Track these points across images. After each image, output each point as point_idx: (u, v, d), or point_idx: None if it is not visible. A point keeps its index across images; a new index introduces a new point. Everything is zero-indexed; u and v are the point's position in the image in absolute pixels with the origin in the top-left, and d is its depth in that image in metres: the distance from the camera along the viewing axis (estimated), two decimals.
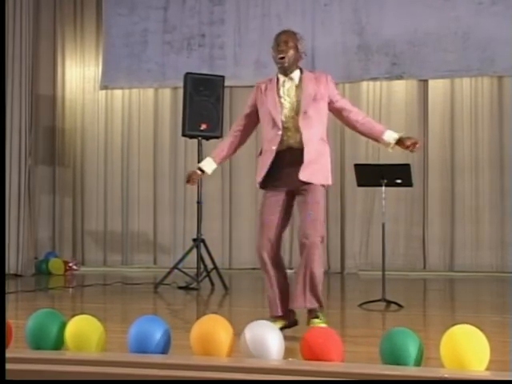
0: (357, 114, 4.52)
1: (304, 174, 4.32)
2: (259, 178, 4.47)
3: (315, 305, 4.29)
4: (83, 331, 3.29)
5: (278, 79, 4.51)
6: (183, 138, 8.23)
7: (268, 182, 4.46)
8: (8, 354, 3.15)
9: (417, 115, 9.21)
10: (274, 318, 4.33)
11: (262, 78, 9.07)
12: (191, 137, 7.71)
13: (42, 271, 8.95)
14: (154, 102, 9.85)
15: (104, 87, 9.80)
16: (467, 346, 2.89)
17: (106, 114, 9.94)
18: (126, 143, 9.87)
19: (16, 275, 8.46)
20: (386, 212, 6.12)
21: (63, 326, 3.34)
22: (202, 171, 4.64)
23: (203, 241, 7.42)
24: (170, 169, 9.70)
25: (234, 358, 3.15)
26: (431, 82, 9.18)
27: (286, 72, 4.47)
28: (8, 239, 8.43)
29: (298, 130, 4.38)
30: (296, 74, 4.50)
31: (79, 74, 10.02)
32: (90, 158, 9.92)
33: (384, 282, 5.92)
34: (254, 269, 8.63)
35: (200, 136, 7.54)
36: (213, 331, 3.17)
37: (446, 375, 2.76)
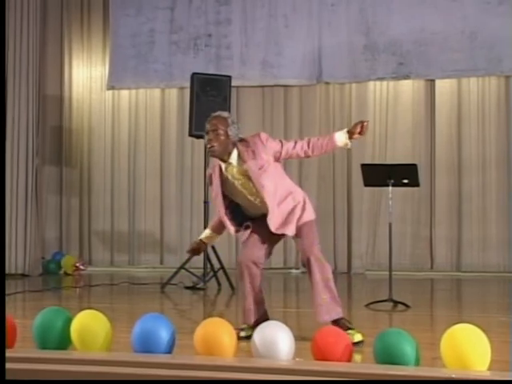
0: (302, 148, 4.43)
1: (283, 230, 4.39)
2: (232, 228, 4.62)
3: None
4: (89, 326, 3.30)
5: (220, 166, 4.47)
6: (190, 138, 8.24)
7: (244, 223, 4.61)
8: (14, 354, 3.17)
9: (424, 115, 9.19)
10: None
11: (268, 78, 9.31)
12: (198, 137, 7.70)
13: (50, 271, 8.98)
14: (161, 102, 9.86)
15: (111, 87, 9.81)
16: (467, 345, 2.88)
17: (112, 114, 9.95)
18: (132, 143, 9.88)
19: (23, 275, 8.48)
20: (392, 212, 6.11)
21: (69, 322, 3.37)
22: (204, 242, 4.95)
23: None
24: (177, 169, 9.71)
25: (239, 358, 3.16)
26: (438, 82, 9.15)
27: (222, 159, 4.42)
28: (15, 239, 8.46)
29: (261, 202, 4.41)
30: (233, 157, 4.41)
31: (86, 75, 10.04)
32: (97, 157, 9.94)
33: (391, 282, 5.91)
34: None
35: None
36: (216, 334, 3.17)
37: (452, 375, 2.75)
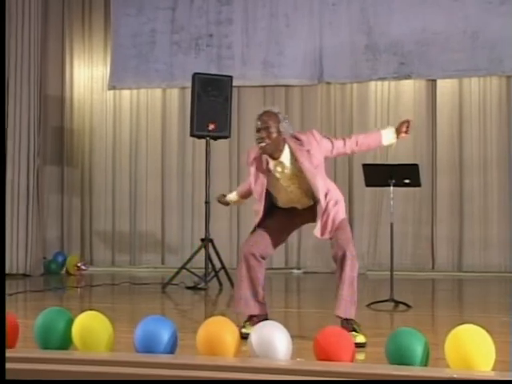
0: (350, 147, 4.40)
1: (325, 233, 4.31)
2: (257, 220, 4.48)
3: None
4: (90, 327, 3.30)
5: (267, 161, 4.36)
6: (191, 138, 8.24)
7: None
8: (16, 354, 3.17)
9: (425, 115, 9.18)
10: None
11: (269, 78, 9.31)
12: (199, 137, 7.72)
13: (51, 271, 8.98)
14: (162, 103, 9.86)
15: (112, 87, 9.81)
16: (472, 346, 2.88)
17: (114, 115, 9.95)
18: (134, 143, 9.88)
19: (24, 275, 8.48)
20: (394, 212, 6.11)
21: (71, 322, 3.36)
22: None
23: (211, 241, 7.43)
24: (178, 169, 9.71)
25: (240, 358, 3.15)
26: (439, 82, 9.15)
27: (272, 156, 4.31)
28: (16, 239, 8.45)
29: (305, 195, 4.37)
30: (285, 156, 4.29)
31: (87, 75, 10.04)
32: (98, 157, 9.94)
33: (392, 282, 5.91)
34: None
35: (208, 136, 7.55)
36: (219, 334, 3.17)
37: (454, 375, 2.75)
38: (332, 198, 4.35)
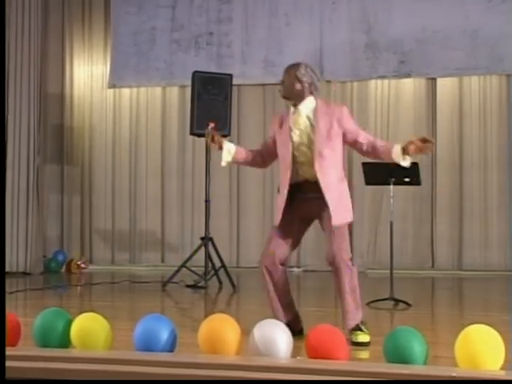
0: (364, 147, 4.28)
1: (334, 219, 4.22)
2: (276, 222, 4.36)
3: None
4: (89, 329, 3.30)
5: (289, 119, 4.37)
6: (191, 137, 8.23)
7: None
8: (15, 352, 3.17)
9: (425, 113, 9.18)
10: None
11: (269, 76, 9.30)
12: (199, 135, 7.69)
13: (51, 269, 8.98)
14: (162, 101, 9.85)
15: (112, 86, 9.80)
16: (483, 345, 2.87)
17: (114, 113, 9.94)
18: (133, 142, 9.88)
19: (24, 273, 8.48)
20: (394, 211, 6.11)
21: (69, 324, 3.36)
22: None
23: (211, 239, 7.43)
24: (178, 167, 9.70)
25: (241, 357, 3.15)
26: (439, 81, 9.15)
27: (293, 102, 4.36)
28: (16, 237, 8.45)
29: (312, 165, 4.25)
30: (304, 105, 4.31)
31: (87, 73, 10.03)
32: (98, 156, 9.94)
33: (392, 281, 5.91)
34: None
35: None
36: (220, 331, 3.17)
37: (453, 374, 2.75)
38: (347, 192, 4.34)
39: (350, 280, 4.17)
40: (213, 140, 4.50)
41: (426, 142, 4.05)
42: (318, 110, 4.29)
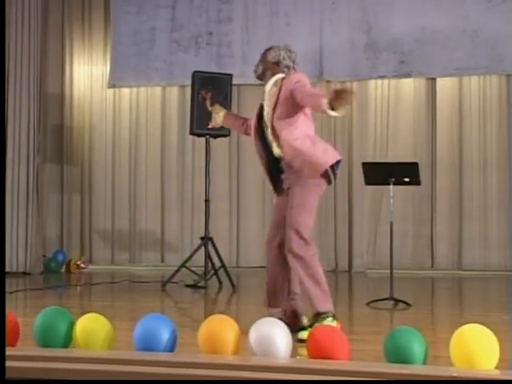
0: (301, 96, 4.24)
1: (286, 183, 4.35)
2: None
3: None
4: (92, 329, 3.30)
5: None
6: (191, 137, 8.24)
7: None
8: (16, 352, 3.16)
9: (425, 113, 9.18)
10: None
11: None
12: (199, 135, 7.71)
13: (51, 269, 8.98)
14: (162, 101, 9.85)
15: (112, 86, 9.80)
16: (477, 345, 2.88)
17: (113, 113, 9.94)
18: (133, 142, 9.88)
19: (24, 273, 8.47)
20: (393, 211, 6.11)
21: (71, 323, 3.35)
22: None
23: (211, 239, 7.42)
24: (178, 167, 9.70)
25: (240, 356, 3.15)
26: (439, 81, 9.15)
27: (261, 81, 4.54)
28: (16, 237, 8.45)
29: (275, 138, 4.32)
30: (269, 84, 4.40)
31: (87, 73, 10.03)
32: (98, 156, 9.93)
33: (392, 281, 5.91)
34: (261, 267, 8.60)
35: (208, 134, 7.54)
36: (220, 331, 3.17)
37: (454, 373, 2.75)
38: (304, 150, 4.29)
39: (304, 268, 4.15)
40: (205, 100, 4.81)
41: (344, 94, 3.77)
42: (280, 86, 4.32)
